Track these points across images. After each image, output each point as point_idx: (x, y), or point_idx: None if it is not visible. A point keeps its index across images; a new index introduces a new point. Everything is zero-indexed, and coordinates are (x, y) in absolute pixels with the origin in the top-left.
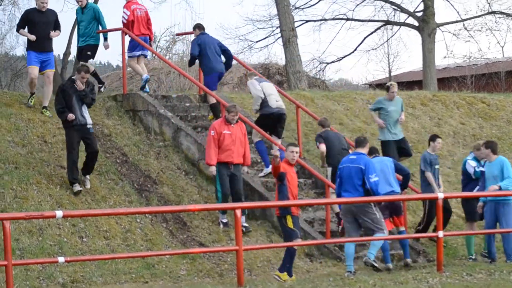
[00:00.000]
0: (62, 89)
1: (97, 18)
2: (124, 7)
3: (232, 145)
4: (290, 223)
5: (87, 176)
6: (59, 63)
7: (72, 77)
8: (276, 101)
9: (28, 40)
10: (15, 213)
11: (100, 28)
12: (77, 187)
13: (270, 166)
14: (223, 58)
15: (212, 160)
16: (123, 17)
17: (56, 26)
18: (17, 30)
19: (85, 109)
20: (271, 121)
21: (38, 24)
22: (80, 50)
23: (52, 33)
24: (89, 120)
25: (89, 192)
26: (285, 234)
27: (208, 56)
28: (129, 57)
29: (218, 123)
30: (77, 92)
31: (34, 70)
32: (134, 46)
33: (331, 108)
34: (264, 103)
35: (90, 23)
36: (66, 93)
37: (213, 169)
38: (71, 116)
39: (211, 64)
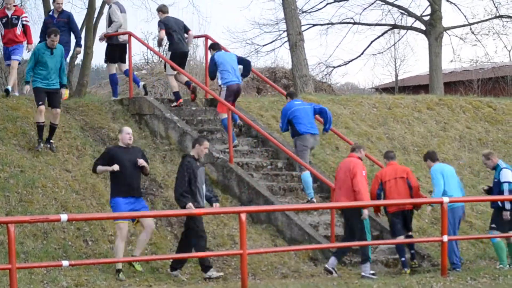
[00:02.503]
0: (185, 166)
1: (62, 59)
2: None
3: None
4: None
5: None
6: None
7: (190, 154)
8: (124, 29)
9: (112, 184)
10: (20, 216)
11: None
12: (178, 274)
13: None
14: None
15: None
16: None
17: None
18: (94, 170)
19: (204, 190)
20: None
21: (125, 162)
22: (43, 92)
23: (140, 160)
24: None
25: (94, 195)
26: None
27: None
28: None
29: (361, 162)
30: (199, 168)
31: (124, 229)
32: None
33: (337, 112)
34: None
35: (58, 63)
36: (190, 171)
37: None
38: (190, 205)
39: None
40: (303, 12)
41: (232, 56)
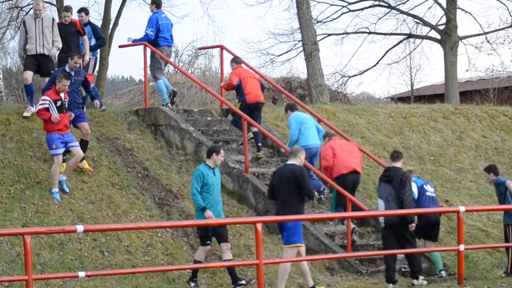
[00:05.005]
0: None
1: None
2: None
3: None
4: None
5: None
6: None
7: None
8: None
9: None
10: (36, 227)
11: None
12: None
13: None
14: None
15: None
16: None
17: None
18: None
19: None
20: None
21: None
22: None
23: None
24: None
25: (110, 206)
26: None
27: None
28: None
29: None
30: None
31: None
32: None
33: (352, 121)
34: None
35: (219, 187)
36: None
37: None
38: None
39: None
40: (318, 22)
41: None
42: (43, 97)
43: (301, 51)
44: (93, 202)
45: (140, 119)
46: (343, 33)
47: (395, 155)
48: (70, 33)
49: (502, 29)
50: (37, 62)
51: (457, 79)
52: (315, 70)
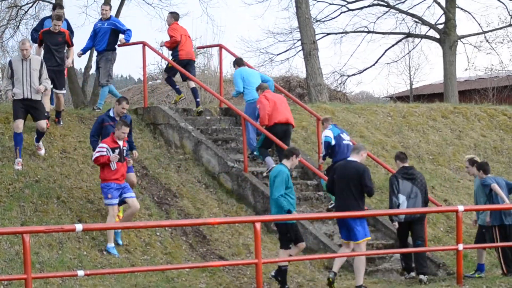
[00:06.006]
0: None
1: None
2: None
3: None
4: None
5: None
6: (80, 77)
7: None
8: None
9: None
10: (35, 226)
11: None
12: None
13: None
14: None
15: None
16: None
17: None
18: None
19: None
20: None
21: None
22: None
23: None
24: None
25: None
26: None
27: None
28: None
29: None
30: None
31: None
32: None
33: (352, 120)
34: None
35: None
36: None
37: None
38: None
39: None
40: (317, 21)
41: None
42: (100, 145)
43: (300, 50)
44: (92, 201)
45: (139, 118)
46: (342, 32)
47: (403, 156)
48: (57, 42)
49: (501, 28)
50: (26, 107)
51: (456, 78)
52: (314, 69)
